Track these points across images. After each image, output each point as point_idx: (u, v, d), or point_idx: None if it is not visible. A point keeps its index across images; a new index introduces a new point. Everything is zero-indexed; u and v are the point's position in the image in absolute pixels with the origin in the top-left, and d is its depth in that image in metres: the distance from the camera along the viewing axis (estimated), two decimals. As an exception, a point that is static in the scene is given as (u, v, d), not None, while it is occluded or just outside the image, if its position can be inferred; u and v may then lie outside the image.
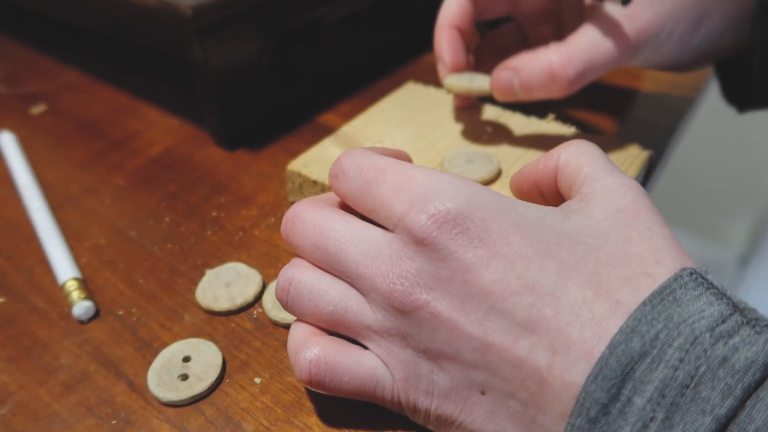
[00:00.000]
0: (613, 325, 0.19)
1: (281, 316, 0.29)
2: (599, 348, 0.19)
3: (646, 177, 0.38)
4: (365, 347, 0.24)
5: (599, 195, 0.23)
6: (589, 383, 0.19)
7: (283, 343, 0.29)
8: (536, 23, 0.40)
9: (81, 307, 0.30)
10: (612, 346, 0.19)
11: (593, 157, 0.25)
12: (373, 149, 0.27)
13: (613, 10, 0.32)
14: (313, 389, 0.24)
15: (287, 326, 0.29)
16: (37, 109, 0.48)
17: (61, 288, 0.32)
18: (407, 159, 0.29)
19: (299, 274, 0.25)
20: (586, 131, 0.40)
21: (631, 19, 0.32)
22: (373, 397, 0.24)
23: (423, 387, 0.23)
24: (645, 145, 0.37)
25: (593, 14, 0.33)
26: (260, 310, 0.30)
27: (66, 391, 0.27)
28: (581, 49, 0.32)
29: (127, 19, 0.42)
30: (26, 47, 0.58)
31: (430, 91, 0.43)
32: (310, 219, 0.25)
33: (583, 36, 0.32)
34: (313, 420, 0.25)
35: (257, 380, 0.27)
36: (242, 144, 0.43)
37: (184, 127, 0.45)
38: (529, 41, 0.41)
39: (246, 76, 0.41)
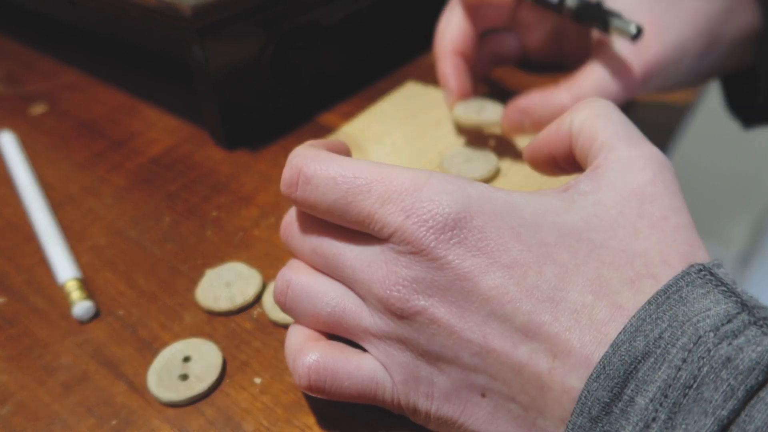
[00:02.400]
0: (613, 330, 0.19)
1: (281, 316, 0.29)
2: (599, 353, 0.19)
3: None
4: (363, 349, 0.24)
5: (613, 171, 0.22)
6: (592, 382, 0.19)
7: (283, 344, 0.29)
8: (537, 45, 0.40)
9: (81, 307, 0.30)
10: (615, 345, 0.19)
11: (609, 120, 0.23)
12: (314, 143, 0.25)
13: (620, 44, 0.32)
14: (312, 395, 0.24)
15: (287, 326, 0.29)
16: (37, 109, 0.48)
17: (61, 288, 0.32)
18: (346, 150, 0.27)
19: (296, 276, 0.24)
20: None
21: (638, 54, 0.31)
22: (373, 400, 0.23)
23: (423, 390, 0.22)
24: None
25: (600, 50, 0.32)
26: (260, 310, 0.30)
27: (66, 391, 0.27)
28: (591, 89, 0.31)
29: (127, 19, 0.42)
30: (26, 47, 0.58)
31: (430, 91, 0.43)
32: (308, 223, 0.24)
33: (592, 75, 0.32)
34: (313, 420, 0.25)
35: (257, 380, 0.27)
36: (242, 144, 0.43)
37: (184, 127, 0.45)
38: (527, 53, 0.41)
39: (246, 76, 0.41)
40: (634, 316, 0.19)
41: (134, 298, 0.31)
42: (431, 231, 0.21)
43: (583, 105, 0.25)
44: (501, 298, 0.20)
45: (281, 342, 0.29)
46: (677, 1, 0.32)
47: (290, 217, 0.25)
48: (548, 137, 0.26)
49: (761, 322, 0.18)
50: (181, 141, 0.43)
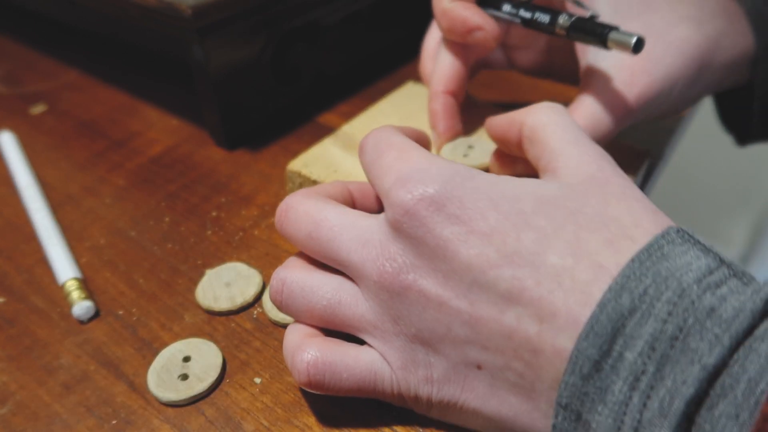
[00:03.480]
0: (596, 290, 0.20)
1: (281, 316, 0.29)
2: (585, 313, 0.19)
3: (646, 177, 0.38)
4: (361, 343, 0.24)
5: (566, 168, 0.24)
6: (581, 341, 0.19)
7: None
8: (527, 63, 0.39)
9: (81, 307, 0.30)
10: (602, 304, 0.19)
11: (557, 127, 0.25)
12: (398, 128, 0.27)
13: (609, 78, 0.31)
14: (312, 391, 0.24)
15: (287, 326, 0.29)
16: (37, 109, 0.48)
17: (61, 288, 0.32)
18: (425, 140, 0.30)
19: (291, 273, 0.25)
20: (586, 131, 0.40)
21: (628, 86, 0.31)
22: (373, 391, 0.24)
23: (422, 373, 0.23)
24: (645, 145, 0.37)
25: (589, 82, 0.32)
26: (260, 310, 0.30)
27: (66, 391, 0.27)
28: (583, 126, 0.31)
29: (127, 19, 0.42)
30: (26, 47, 0.58)
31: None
32: (304, 209, 0.25)
33: (583, 111, 0.31)
34: (313, 420, 0.25)
35: (257, 380, 0.27)
36: (242, 144, 0.43)
37: (184, 127, 0.45)
38: (516, 67, 0.40)
39: (246, 76, 0.41)
40: (619, 274, 0.20)
41: (134, 298, 0.31)
42: (410, 197, 0.22)
43: (535, 109, 0.26)
44: (482, 265, 0.21)
45: (281, 342, 0.29)
46: (666, 32, 0.31)
47: (285, 204, 0.26)
48: (501, 126, 0.28)
49: (741, 275, 0.19)
50: (181, 141, 0.43)
